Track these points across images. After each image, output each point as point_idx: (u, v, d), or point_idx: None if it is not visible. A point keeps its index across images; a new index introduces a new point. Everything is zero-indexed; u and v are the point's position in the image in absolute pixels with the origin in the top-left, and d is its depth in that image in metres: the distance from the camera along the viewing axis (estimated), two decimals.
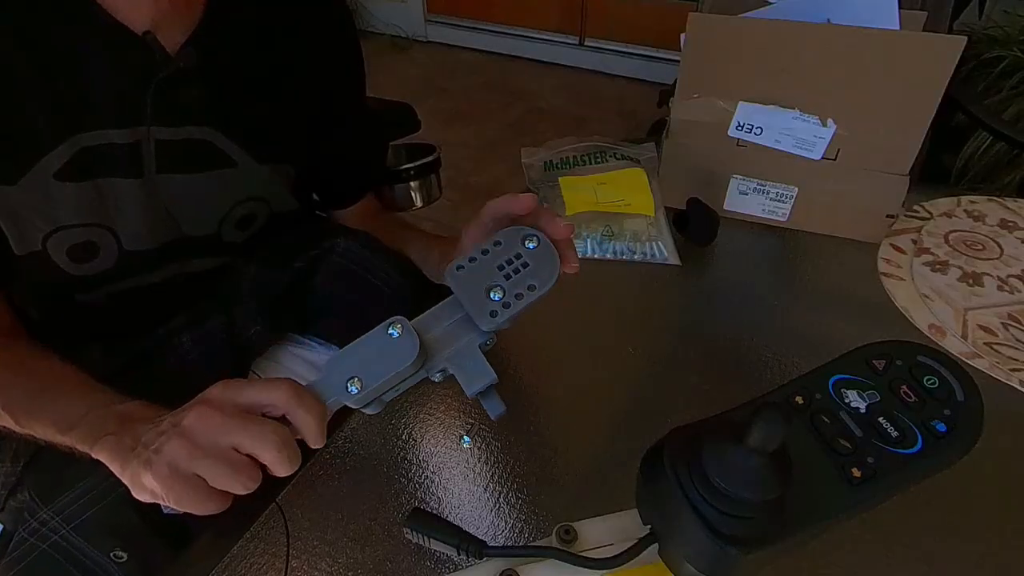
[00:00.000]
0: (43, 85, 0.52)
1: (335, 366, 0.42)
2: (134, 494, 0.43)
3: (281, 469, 0.41)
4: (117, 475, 0.45)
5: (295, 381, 0.41)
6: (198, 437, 0.40)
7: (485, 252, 0.44)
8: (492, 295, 0.43)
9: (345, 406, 0.43)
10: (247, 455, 0.40)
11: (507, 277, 0.44)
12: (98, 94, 0.55)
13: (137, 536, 0.55)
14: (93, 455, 0.48)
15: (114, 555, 0.54)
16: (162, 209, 0.62)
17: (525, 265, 0.44)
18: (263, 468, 0.41)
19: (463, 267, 0.44)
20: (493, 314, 0.43)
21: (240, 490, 0.41)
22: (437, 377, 0.44)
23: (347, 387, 0.41)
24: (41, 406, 0.52)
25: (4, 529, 0.59)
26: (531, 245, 0.44)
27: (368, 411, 0.44)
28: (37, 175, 0.54)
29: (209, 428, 0.40)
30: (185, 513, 0.42)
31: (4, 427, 0.54)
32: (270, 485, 0.54)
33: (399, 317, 0.43)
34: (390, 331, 0.42)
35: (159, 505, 0.43)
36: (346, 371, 0.42)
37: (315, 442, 0.41)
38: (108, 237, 0.60)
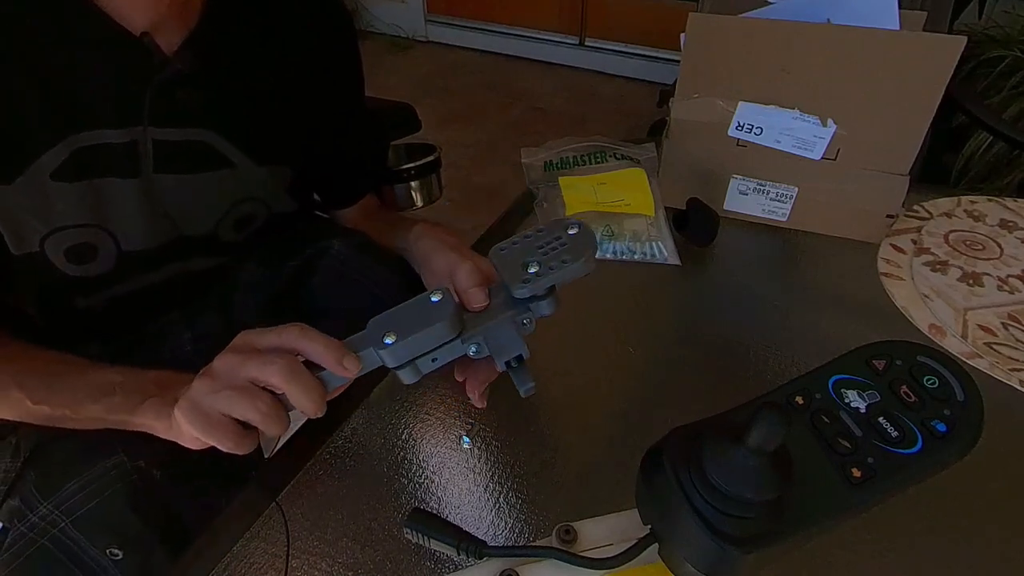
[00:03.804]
0: (40, 85, 0.52)
1: (376, 322, 0.45)
2: (182, 443, 0.48)
3: (298, 397, 0.43)
4: (163, 435, 0.49)
5: (303, 325, 0.45)
6: (218, 375, 0.44)
7: (527, 236, 0.46)
8: (528, 269, 0.45)
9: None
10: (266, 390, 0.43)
11: (544, 254, 0.45)
12: (95, 94, 0.55)
13: (133, 535, 0.55)
14: (135, 420, 0.51)
15: (110, 552, 0.54)
16: (159, 209, 0.62)
17: (563, 244, 0.45)
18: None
19: (505, 248, 0.46)
20: (525, 280, 0.44)
21: (258, 419, 0.43)
22: (472, 350, 0.46)
23: (383, 338, 0.43)
24: (62, 379, 0.54)
25: (2, 527, 0.59)
26: (572, 231, 0.46)
27: (405, 377, 0.46)
28: (33, 175, 0.54)
29: (227, 366, 0.44)
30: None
31: (8, 412, 0.55)
32: (270, 485, 0.54)
33: (444, 286, 0.45)
34: (432, 297, 0.45)
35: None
36: (384, 326, 0.44)
37: (332, 365, 0.43)
38: (106, 239, 0.60)
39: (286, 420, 0.44)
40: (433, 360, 0.46)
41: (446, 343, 0.45)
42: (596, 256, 0.46)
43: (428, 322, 0.43)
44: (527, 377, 0.47)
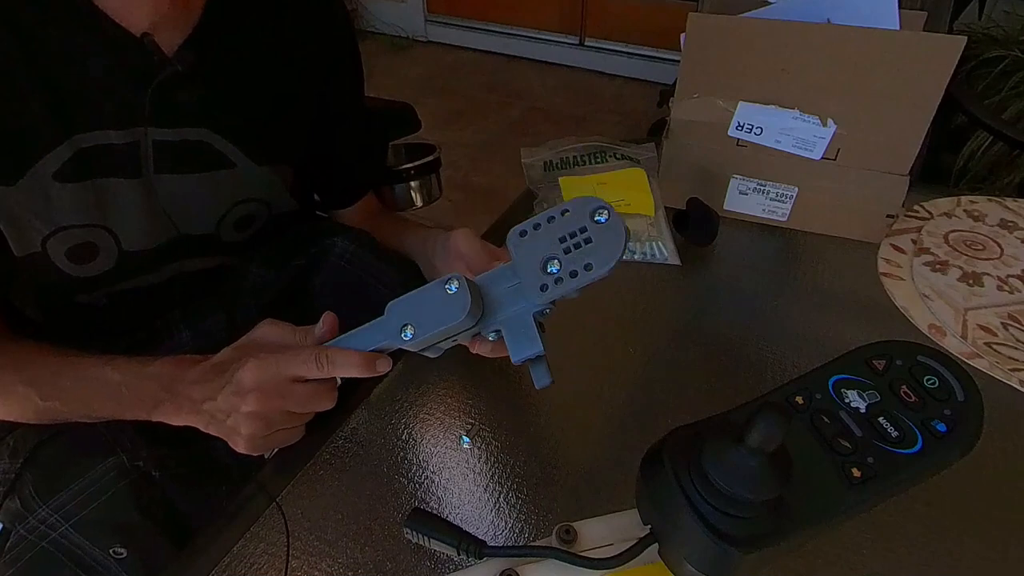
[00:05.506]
0: (42, 86, 0.52)
1: (393, 311, 0.46)
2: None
3: (327, 407, 0.52)
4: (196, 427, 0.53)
5: (320, 351, 0.49)
6: (269, 415, 0.50)
7: (551, 219, 0.43)
8: (549, 267, 0.42)
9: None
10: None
11: (567, 251, 0.42)
12: (96, 95, 0.55)
13: (137, 533, 0.55)
14: (152, 418, 0.54)
15: (113, 552, 0.54)
16: (160, 209, 0.62)
17: (588, 241, 0.42)
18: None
19: (526, 233, 0.43)
20: (544, 288, 0.42)
21: (304, 431, 0.53)
22: (492, 336, 0.46)
23: (401, 332, 0.45)
24: (70, 379, 0.55)
25: (2, 528, 0.59)
26: (600, 219, 0.41)
27: (429, 354, 0.48)
28: (36, 176, 0.54)
29: (273, 408, 0.49)
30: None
31: (14, 412, 0.55)
32: (270, 485, 0.54)
33: (458, 274, 0.44)
34: (448, 286, 0.44)
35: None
36: (402, 318, 0.45)
37: (369, 374, 0.48)
38: (107, 238, 0.60)
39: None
40: (453, 340, 0.47)
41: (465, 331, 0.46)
42: (621, 254, 0.41)
43: (445, 317, 0.43)
44: (544, 373, 0.45)
